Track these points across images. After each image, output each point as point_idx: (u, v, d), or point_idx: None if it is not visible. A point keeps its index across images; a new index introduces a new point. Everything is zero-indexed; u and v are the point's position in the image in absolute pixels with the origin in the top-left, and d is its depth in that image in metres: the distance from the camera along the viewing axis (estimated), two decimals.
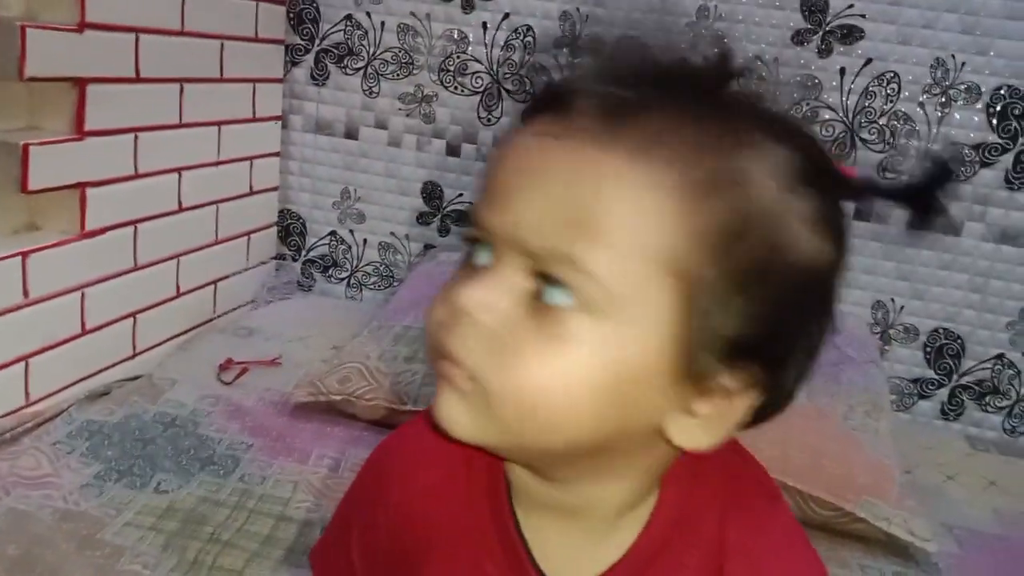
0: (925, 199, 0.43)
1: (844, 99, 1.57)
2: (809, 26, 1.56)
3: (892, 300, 1.63)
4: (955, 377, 1.63)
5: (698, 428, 0.43)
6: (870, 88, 1.56)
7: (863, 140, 1.58)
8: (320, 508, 1.07)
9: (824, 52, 1.57)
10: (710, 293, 0.39)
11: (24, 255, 1.15)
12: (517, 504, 0.50)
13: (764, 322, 0.40)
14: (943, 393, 1.65)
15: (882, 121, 1.57)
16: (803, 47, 1.57)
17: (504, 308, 0.40)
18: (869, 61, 1.55)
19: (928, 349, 1.64)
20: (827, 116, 1.58)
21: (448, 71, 1.72)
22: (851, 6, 1.54)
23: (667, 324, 0.40)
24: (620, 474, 0.46)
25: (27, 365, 1.18)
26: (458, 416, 0.42)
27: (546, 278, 0.40)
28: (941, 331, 1.62)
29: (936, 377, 1.64)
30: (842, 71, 1.57)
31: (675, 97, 0.40)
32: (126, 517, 0.99)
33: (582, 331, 0.39)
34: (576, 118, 0.40)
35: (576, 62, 0.42)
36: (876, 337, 1.62)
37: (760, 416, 0.45)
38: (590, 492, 0.47)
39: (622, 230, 0.38)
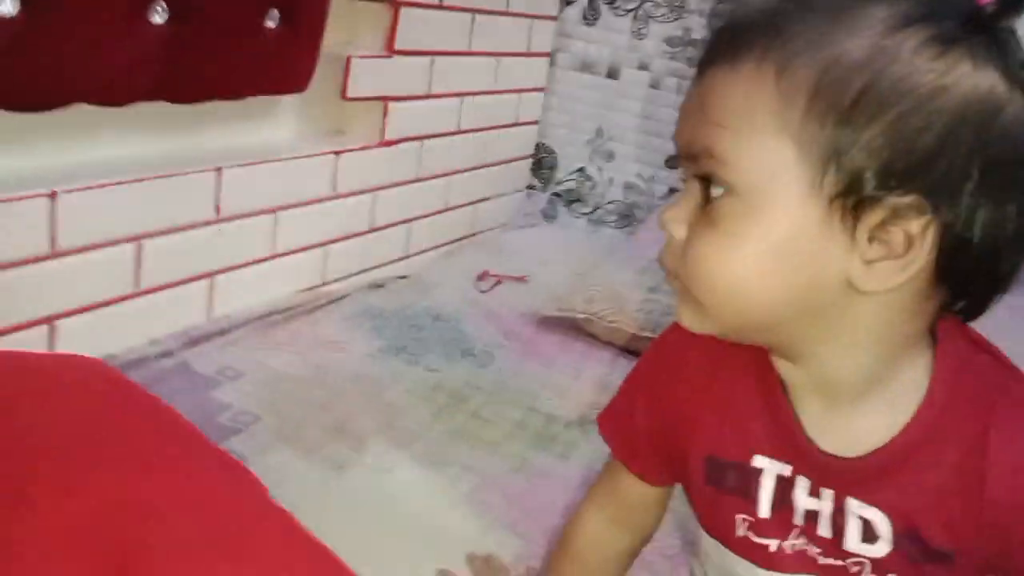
0: None
1: None
2: None
3: None
4: None
5: (884, 269, 0.45)
6: None
7: None
8: (563, 407, 1.18)
9: None
10: (828, 141, 0.44)
11: (337, 154, 1.33)
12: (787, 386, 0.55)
13: (896, 149, 0.43)
14: None
15: None
16: None
17: (688, 216, 0.49)
18: None
19: None
20: None
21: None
22: None
23: (800, 183, 0.45)
24: (845, 342, 0.49)
25: (327, 251, 1.37)
26: (686, 315, 0.51)
27: (708, 179, 0.47)
28: None
29: None
30: None
31: (798, 10, 0.46)
32: (404, 385, 1.15)
33: (736, 215, 0.46)
34: (718, 47, 0.48)
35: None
36: None
37: (975, 270, 0.46)
38: (828, 365, 0.51)
39: (735, 113, 0.46)
